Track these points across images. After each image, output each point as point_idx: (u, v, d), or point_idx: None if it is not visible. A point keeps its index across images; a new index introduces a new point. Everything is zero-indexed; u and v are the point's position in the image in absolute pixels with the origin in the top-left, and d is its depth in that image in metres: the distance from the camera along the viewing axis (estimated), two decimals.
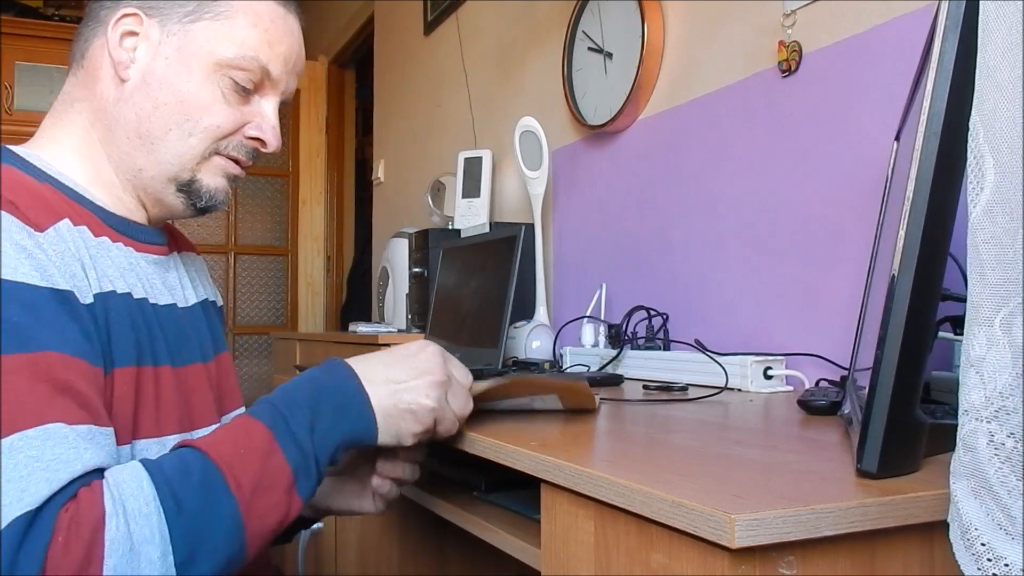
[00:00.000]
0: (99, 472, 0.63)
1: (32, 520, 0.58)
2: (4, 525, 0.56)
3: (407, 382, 0.77)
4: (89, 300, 0.73)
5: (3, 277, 0.64)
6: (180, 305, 0.89)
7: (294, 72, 0.88)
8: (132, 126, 0.81)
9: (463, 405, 0.81)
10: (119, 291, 0.77)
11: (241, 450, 0.68)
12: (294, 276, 4.36)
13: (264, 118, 0.86)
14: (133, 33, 0.81)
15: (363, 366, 0.78)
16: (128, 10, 0.81)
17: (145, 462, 0.66)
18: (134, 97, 0.81)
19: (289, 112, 4.32)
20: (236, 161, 0.86)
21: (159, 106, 0.80)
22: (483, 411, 0.89)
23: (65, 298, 0.69)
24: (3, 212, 0.67)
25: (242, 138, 0.85)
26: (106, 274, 0.77)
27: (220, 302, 1.03)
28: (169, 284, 0.88)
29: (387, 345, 1.61)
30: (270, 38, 0.84)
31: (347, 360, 0.79)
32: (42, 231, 0.70)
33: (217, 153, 0.84)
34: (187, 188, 0.83)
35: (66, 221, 0.74)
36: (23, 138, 0.85)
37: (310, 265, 4.37)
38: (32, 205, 0.71)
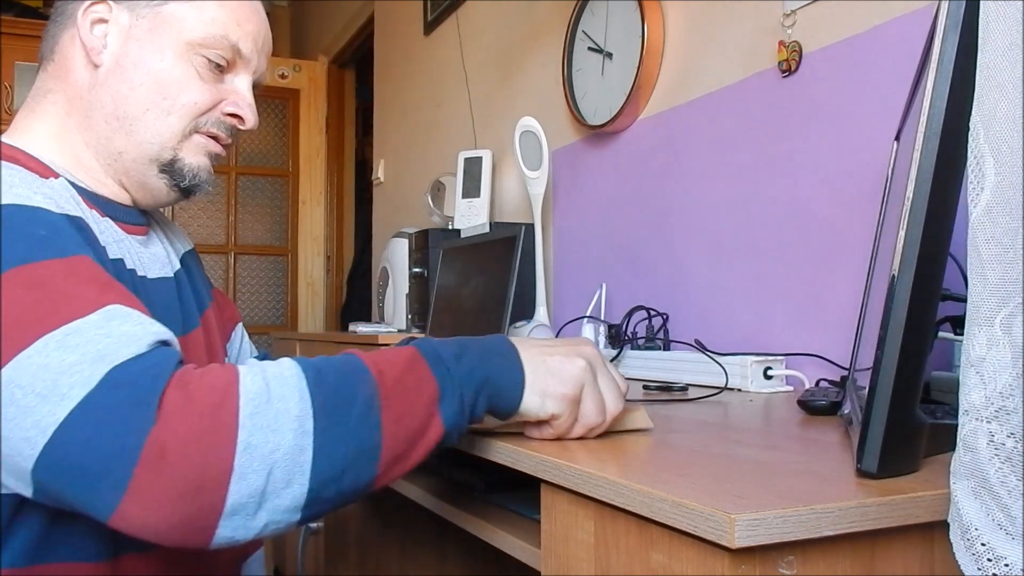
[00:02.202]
0: (170, 348, 0.62)
1: (129, 368, 0.57)
2: (96, 383, 0.56)
3: (557, 347, 0.73)
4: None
5: (20, 203, 0.66)
6: (169, 275, 0.90)
7: (264, 52, 0.90)
8: (109, 109, 0.81)
9: (614, 399, 0.74)
10: (112, 256, 0.78)
11: (386, 354, 0.66)
12: (294, 276, 4.36)
13: (239, 95, 0.87)
14: (103, 20, 0.82)
15: (512, 336, 0.74)
16: None
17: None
18: (109, 81, 0.81)
19: (289, 112, 4.32)
20: (216, 139, 0.87)
21: (135, 87, 0.81)
22: None
23: (80, 225, 0.71)
24: (6, 163, 0.69)
25: (220, 114, 0.86)
26: (100, 238, 0.78)
27: (191, 244, 1.04)
28: (157, 257, 0.89)
29: (387, 345, 1.61)
30: (237, 17, 0.85)
31: None
32: (46, 179, 0.73)
33: (196, 131, 0.85)
34: (169, 168, 0.84)
35: (63, 179, 0.76)
36: None
37: (310, 265, 4.38)
38: (32, 167, 0.73)
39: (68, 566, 0.68)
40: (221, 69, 0.85)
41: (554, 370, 0.71)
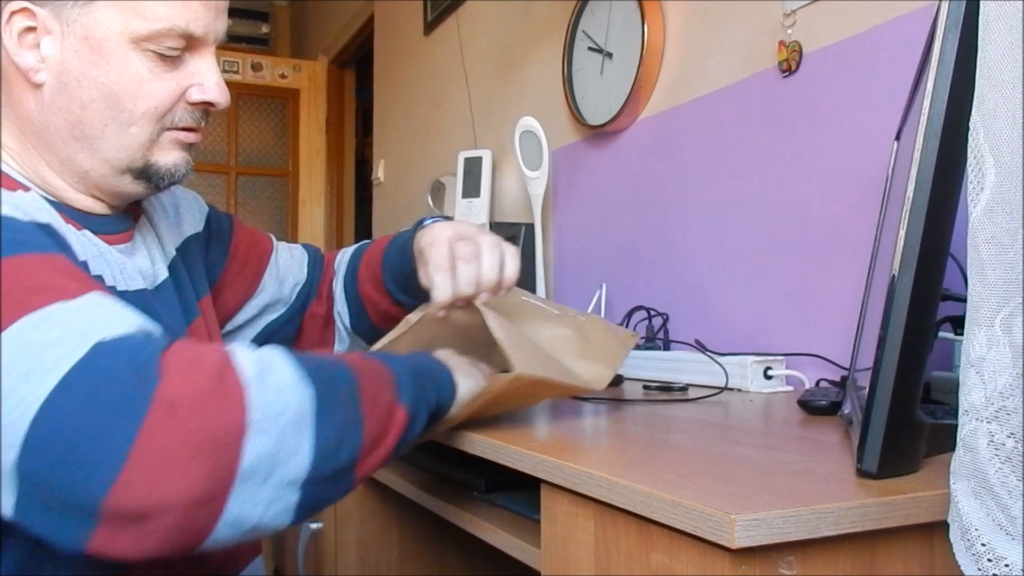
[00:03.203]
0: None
1: (118, 342, 0.54)
2: (83, 353, 0.53)
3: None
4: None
5: None
6: (151, 287, 0.83)
7: (220, 14, 0.78)
8: (65, 131, 0.74)
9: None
10: (92, 273, 0.73)
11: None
12: None
13: (203, 76, 0.77)
14: (30, 29, 0.72)
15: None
16: (16, 6, 0.72)
17: None
18: (57, 102, 0.73)
19: (289, 112, 4.32)
20: (188, 129, 0.79)
21: (86, 105, 0.73)
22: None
23: (50, 232, 0.66)
24: None
25: (186, 105, 0.77)
26: (80, 252, 0.73)
27: (199, 225, 0.97)
28: (140, 267, 0.82)
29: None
30: None
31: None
32: (13, 191, 0.68)
33: (165, 130, 0.77)
34: (144, 174, 0.77)
35: (33, 192, 0.70)
36: None
37: None
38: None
39: None
40: (175, 57, 0.75)
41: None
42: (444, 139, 2.77)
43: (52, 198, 0.77)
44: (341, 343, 1.11)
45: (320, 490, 0.60)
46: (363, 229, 4.24)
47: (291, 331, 1.08)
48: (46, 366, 0.52)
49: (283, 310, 1.07)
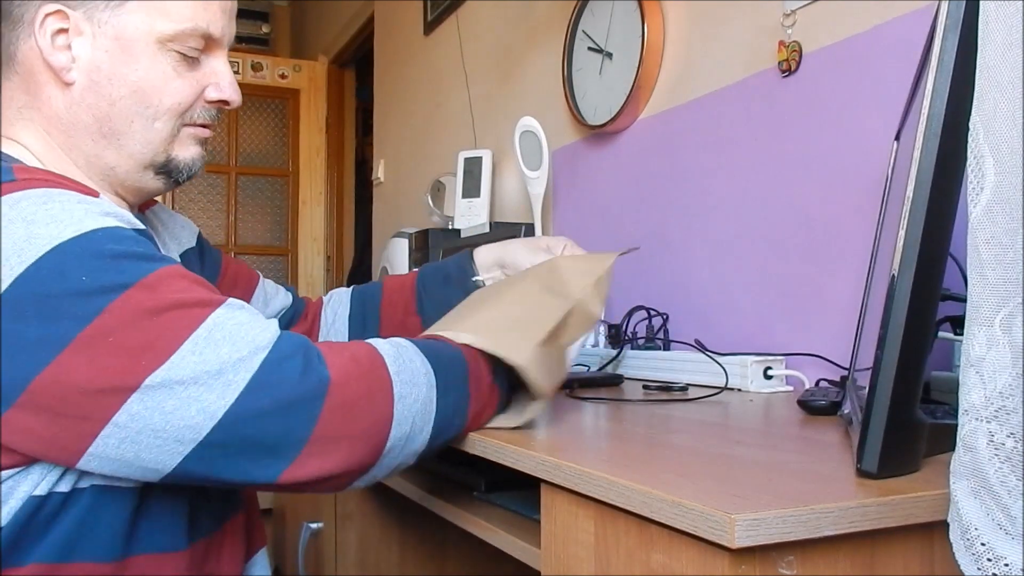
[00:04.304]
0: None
1: (281, 347, 0.65)
2: (259, 365, 0.63)
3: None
4: None
5: (97, 227, 0.65)
6: None
7: (232, 18, 0.85)
8: (93, 128, 0.79)
9: None
10: None
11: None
12: (294, 276, 4.36)
13: (219, 76, 0.84)
14: (63, 30, 0.77)
15: None
16: (49, 8, 0.76)
17: None
18: (86, 99, 0.78)
19: (289, 112, 4.32)
20: (203, 125, 0.85)
21: (115, 102, 0.78)
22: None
23: (148, 235, 0.71)
24: (60, 189, 0.67)
25: (203, 103, 0.84)
26: None
27: (192, 240, 1.01)
28: None
29: None
30: (202, 1, 0.81)
31: None
32: (96, 197, 0.70)
33: (184, 125, 0.83)
34: (165, 169, 0.83)
35: (102, 195, 0.72)
36: None
37: (310, 265, 4.38)
38: (79, 189, 0.70)
39: (83, 566, 0.69)
40: (195, 58, 0.81)
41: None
42: (444, 139, 2.77)
43: None
44: None
45: (429, 453, 0.74)
46: (363, 229, 4.24)
47: None
48: (227, 378, 0.62)
49: None
